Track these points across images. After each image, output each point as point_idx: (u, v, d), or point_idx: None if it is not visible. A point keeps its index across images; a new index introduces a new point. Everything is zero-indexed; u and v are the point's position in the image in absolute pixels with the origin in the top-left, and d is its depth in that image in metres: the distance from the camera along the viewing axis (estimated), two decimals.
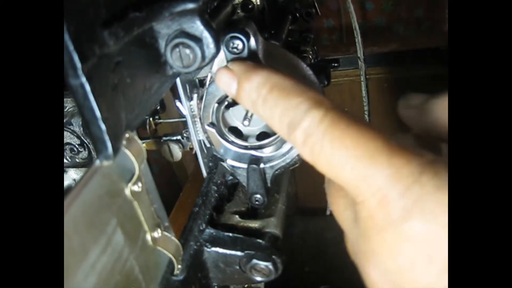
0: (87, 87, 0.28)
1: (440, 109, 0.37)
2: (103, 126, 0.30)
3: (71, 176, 0.74)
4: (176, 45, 0.37)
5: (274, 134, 0.54)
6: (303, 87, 0.36)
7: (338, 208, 0.37)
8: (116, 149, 0.32)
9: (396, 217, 0.30)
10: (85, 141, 0.65)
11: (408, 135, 0.40)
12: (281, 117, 0.35)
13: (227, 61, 0.45)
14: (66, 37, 0.27)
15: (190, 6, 0.37)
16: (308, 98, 0.34)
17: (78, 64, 0.28)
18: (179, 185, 1.18)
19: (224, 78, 0.41)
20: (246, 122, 0.51)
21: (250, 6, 0.57)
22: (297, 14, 1.00)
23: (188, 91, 0.54)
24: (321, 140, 0.32)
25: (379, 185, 0.30)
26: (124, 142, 0.35)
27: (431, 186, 0.29)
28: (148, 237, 0.42)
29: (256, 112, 0.38)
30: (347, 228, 0.36)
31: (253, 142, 0.55)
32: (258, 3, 0.58)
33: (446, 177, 0.29)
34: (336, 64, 1.04)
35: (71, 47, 0.27)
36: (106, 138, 0.31)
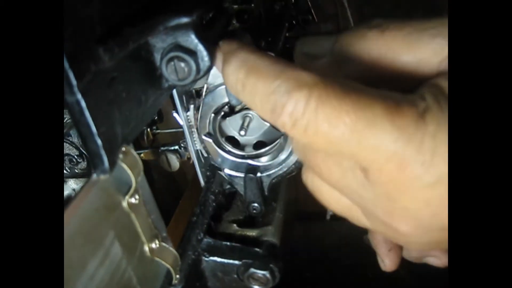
0: (83, 104, 0.29)
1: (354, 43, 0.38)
2: (99, 141, 0.31)
3: (70, 186, 0.74)
4: (171, 59, 0.38)
5: (271, 143, 0.55)
6: (281, 65, 0.34)
7: (335, 176, 0.36)
8: (112, 163, 0.33)
9: (420, 173, 0.30)
10: (84, 152, 0.66)
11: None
12: (262, 103, 0.34)
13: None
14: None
15: (184, 20, 0.37)
16: (287, 78, 0.32)
17: (74, 82, 0.28)
18: (179, 191, 1.18)
19: (216, 59, 0.40)
20: (242, 132, 0.52)
21: (245, 16, 0.57)
22: (294, 21, 1.01)
23: (185, 102, 0.54)
24: (314, 120, 0.31)
25: (392, 151, 0.30)
26: (120, 156, 0.35)
27: (441, 135, 0.30)
28: (146, 248, 0.42)
29: (239, 97, 0.37)
30: (356, 195, 0.36)
31: (250, 151, 0.56)
32: (254, 12, 0.58)
33: (446, 119, 0.30)
34: None
35: (66, 65, 0.27)
36: (102, 152, 0.31)
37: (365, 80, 0.34)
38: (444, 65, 0.34)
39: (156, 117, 0.69)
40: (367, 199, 0.35)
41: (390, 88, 0.33)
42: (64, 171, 0.68)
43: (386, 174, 0.31)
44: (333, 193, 0.38)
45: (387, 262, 0.43)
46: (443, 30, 0.34)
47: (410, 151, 0.30)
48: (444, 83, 0.32)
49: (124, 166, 0.36)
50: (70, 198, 0.74)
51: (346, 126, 0.31)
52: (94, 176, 0.33)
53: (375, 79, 0.35)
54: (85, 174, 0.69)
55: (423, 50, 0.34)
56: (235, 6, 0.56)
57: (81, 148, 0.66)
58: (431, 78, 0.34)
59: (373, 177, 0.33)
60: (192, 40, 0.38)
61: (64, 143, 0.66)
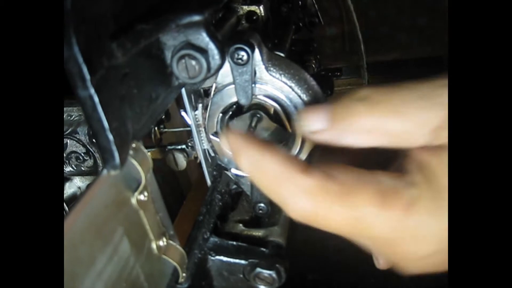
0: (96, 99, 0.29)
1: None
2: (110, 137, 0.31)
3: (76, 184, 0.74)
4: (182, 57, 0.38)
5: (279, 143, 0.54)
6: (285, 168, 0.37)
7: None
8: (123, 159, 0.33)
9: (413, 250, 0.36)
10: (91, 149, 0.66)
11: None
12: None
13: (232, 72, 0.45)
14: (76, 49, 0.27)
15: (196, 18, 0.37)
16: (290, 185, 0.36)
17: (87, 76, 0.28)
18: (182, 193, 1.18)
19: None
20: (250, 132, 0.52)
21: (254, 17, 0.58)
22: (300, 24, 1.01)
23: (193, 101, 0.54)
24: (315, 218, 0.36)
25: (384, 238, 0.35)
26: (130, 152, 0.36)
27: (431, 220, 0.34)
28: (154, 245, 0.42)
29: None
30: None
31: None
32: (263, 13, 0.59)
33: (437, 206, 0.34)
34: (338, 73, 1.05)
35: (80, 59, 0.27)
36: (114, 148, 0.31)
37: (357, 154, 0.39)
38: (431, 138, 0.35)
39: (163, 116, 0.70)
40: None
41: (378, 156, 0.38)
42: (70, 169, 0.68)
43: (383, 252, 0.38)
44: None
45: (381, 261, 0.44)
46: (431, 102, 0.35)
47: (399, 236, 0.35)
48: (434, 161, 0.35)
49: (134, 162, 0.36)
50: (75, 196, 0.74)
51: (342, 220, 0.35)
52: (105, 172, 0.33)
53: (367, 150, 0.38)
54: (91, 172, 0.69)
55: (409, 121, 0.36)
56: (245, 7, 0.56)
57: (88, 146, 0.66)
58: (418, 151, 0.36)
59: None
60: (204, 38, 0.38)
61: (71, 141, 0.66)
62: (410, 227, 0.34)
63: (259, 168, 0.37)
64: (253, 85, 0.47)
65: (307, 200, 0.35)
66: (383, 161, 0.39)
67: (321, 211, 0.35)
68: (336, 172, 0.36)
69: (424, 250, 0.35)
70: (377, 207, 0.34)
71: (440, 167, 0.34)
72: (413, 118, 0.35)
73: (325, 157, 0.42)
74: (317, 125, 0.39)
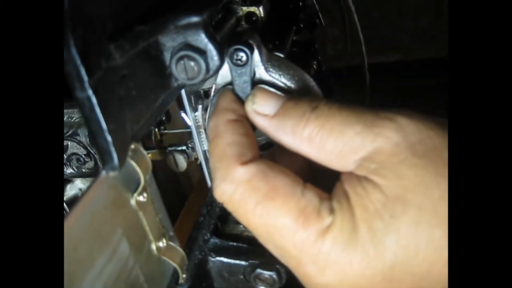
0: (94, 100, 0.29)
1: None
2: (109, 138, 0.31)
3: (77, 185, 0.74)
4: (181, 58, 0.38)
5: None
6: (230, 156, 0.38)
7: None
8: (122, 160, 0.33)
9: (315, 275, 0.36)
10: (92, 151, 0.66)
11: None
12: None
13: (231, 73, 0.45)
14: (73, 50, 0.27)
15: (195, 19, 0.37)
16: (225, 169, 0.38)
17: (85, 77, 0.28)
18: (184, 193, 1.18)
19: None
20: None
21: (254, 18, 0.57)
22: (301, 25, 1.01)
23: (193, 102, 0.54)
24: (236, 211, 0.38)
25: (294, 256, 0.36)
26: (129, 153, 0.36)
27: (334, 252, 0.34)
28: (153, 246, 0.43)
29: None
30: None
31: None
32: (262, 14, 0.58)
33: (345, 237, 0.34)
34: (339, 75, 1.05)
35: (78, 60, 0.27)
36: (112, 149, 0.31)
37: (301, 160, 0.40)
38: (356, 166, 0.36)
39: (164, 117, 0.70)
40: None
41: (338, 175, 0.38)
42: (71, 170, 0.68)
43: (288, 264, 0.38)
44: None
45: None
46: (370, 131, 0.35)
47: (305, 258, 0.35)
48: (353, 193, 0.35)
49: (133, 163, 0.36)
50: (77, 198, 0.74)
51: (257, 221, 0.37)
52: (103, 173, 0.33)
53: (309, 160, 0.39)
54: (92, 174, 0.69)
55: (342, 142, 0.36)
56: (244, 8, 0.56)
57: (88, 148, 0.66)
58: (345, 176, 0.37)
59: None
60: (202, 40, 0.38)
61: (72, 142, 0.66)
62: (318, 253, 0.34)
63: (213, 138, 0.39)
64: (252, 86, 0.47)
65: (229, 188, 0.37)
66: (327, 187, 0.39)
67: (239, 204, 0.37)
68: (272, 173, 0.37)
69: (325, 279, 0.35)
70: (294, 223, 0.35)
71: (357, 200, 0.34)
72: (347, 141, 0.36)
73: (282, 155, 0.42)
74: (264, 108, 0.40)
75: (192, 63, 0.38)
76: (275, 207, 0.35)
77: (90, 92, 0.29)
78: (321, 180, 0.38)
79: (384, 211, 0.33)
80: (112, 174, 0.33)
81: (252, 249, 0.57)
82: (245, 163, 0.37)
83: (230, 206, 0.38)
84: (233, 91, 0.45)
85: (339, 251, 0.34)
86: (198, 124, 0.56)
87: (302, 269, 0.36)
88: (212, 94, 0.51)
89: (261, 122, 0.40)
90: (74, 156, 0.67)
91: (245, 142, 0.39)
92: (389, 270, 0.33)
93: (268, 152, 0.45)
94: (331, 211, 0.35)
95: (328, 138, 0.36)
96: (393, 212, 0.32)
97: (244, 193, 0.36)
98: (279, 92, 0.43)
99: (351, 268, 0.33)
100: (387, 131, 0.35)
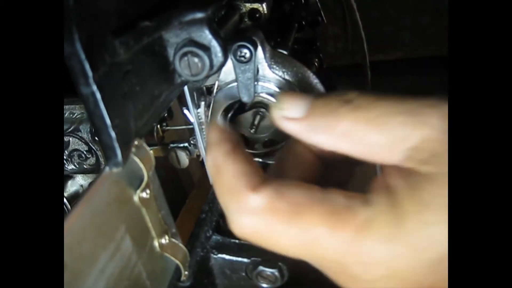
0: (98, 95, 0.29)
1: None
2: (113, 134, 0.31)
3: (78, 182, 0.74)
4: (185, 54, 0.38)
5: (282, 141, 0.54)
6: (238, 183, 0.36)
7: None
8: (125, 156, 0.33)
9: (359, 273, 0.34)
10: (93, 147, 0.66)
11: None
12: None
13: (235, 69, 0.45)
14: (78, 45, 0.27)
15: (199, 15, 0.37)
16: (238, 201, 0.35)
17: (90, 73, 0.28)
18: (185, 190, 1.18)
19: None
20: (253, 130, 0.52)
21: (257, 15, 0.57)
22: (303, 22, 1.01)
23: (195, 98, 0.54)
24: (260, 238, 0.35)
25: (333, 260, 0.33)
26: (133, 149, 0.35)
27: (383, 247, 0.32)
28: (156, 243, 0.42)
29: None
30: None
31: (260, 149, 0.56)
32: (265, 11, 0.58)
33: (394, 228, 0.32)
34: (341, 72, 1.05)
35: (82, 56, 0.27)
36: (116, 145, 0.31)
37: (330, 155, 0.37)
38: (404, 157, 0.33)
39: (166, 114, 0.69)
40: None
41: (338, 174, 0.36)
42: (73, 167, 0.68)
43: (332, 273, 0.35)
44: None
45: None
46: (414, 119, 0.33)
47: (349, 261, 0.33)
48: (402, 185, 0.33)
49: (137, 159, 0.36)
50: (78, 194, 0.74)
51: (290, 241, 0.34)
52: (107, 169, 0.33)
53: (340, 156, 0.36)
54: (94, 170, 0.68)
55: (386, 134, 0.34)
56: (248, 5, 0.56)
57: (90, 144, 0.66)
58: (387, 169, 0.35)
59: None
60: (206, 36, 0.38)
61: (73, 139, 0.66)
62: (360, 250, 0.32)
63: (216, 174, 0.36)
64: (255, 82, 0.47)
65: (250, 219, 0.34)
66: (342, 180, 0.37)
67: (266, 232, 0.34)
68: (287, 190, 0.34)
69: (371, 275, 0.33)
70: (328, 228, 0.33)
71: (406, 192, 0.32)
72: (392, 132, 0.34)
73: (281, 171, 0.40)
74: (293, 112, 0.37)
75: (196, 59, 0.38)
76: (306, 220, 0.33)
77: (94, 87, 0.28)
78: (335, 175, 0.37)
79: (436, 202, 0.31)
80: (115, 170, 0.33)
81: (254, 246, 0.57)
82: (256, 188, 0.35)
83: (256, 238, 0.35)
84: (218, 121, 0.43)
85: (383, 246, 0.32)
86: (201, 120, 0.56)
87: (348, 272, 0.34)
88: (214, 90, 0.51)
89: (292, 127, 0.38)
90: (75, 152, 0.67)
91: (249, 169, 0.36)
92: (438, 263, 0.32)
93: (275, 162, 0.43)
94: (368, 203, 0.33)
95: (369, 131, 0.34)
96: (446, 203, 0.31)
97: (268, 219, 0.34)
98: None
99: (398, 263, 0.32)
100: (433, 119, 0.33)
